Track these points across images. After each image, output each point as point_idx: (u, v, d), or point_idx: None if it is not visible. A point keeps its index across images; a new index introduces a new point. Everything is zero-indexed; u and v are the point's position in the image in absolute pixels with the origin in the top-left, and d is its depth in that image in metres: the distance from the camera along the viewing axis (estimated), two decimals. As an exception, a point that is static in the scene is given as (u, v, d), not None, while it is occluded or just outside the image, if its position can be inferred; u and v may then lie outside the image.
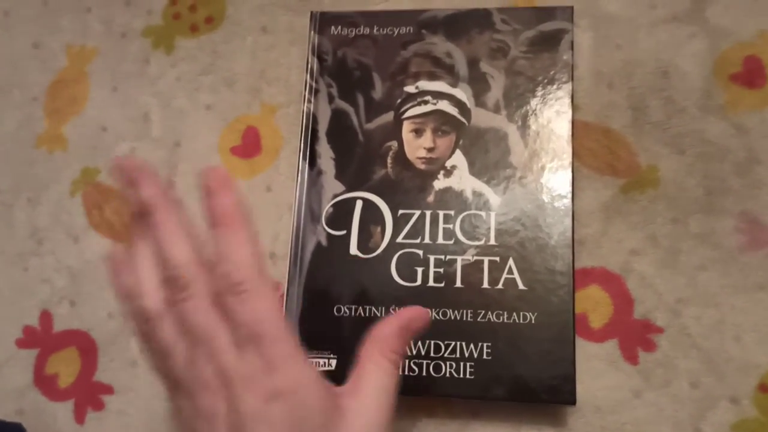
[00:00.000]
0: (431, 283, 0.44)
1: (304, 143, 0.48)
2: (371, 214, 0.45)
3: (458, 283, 0.44)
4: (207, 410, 0.30)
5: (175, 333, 0.31)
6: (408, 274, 0.44)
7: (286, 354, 0.30)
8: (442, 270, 0.44)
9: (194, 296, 0.31)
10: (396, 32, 0.49)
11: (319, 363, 0.43)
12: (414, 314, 0.36)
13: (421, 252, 0.44)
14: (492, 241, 0.44)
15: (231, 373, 0.30)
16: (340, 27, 0.50)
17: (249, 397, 0.29)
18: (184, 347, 0.31)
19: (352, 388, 0.34)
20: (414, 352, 0.43)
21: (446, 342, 0.43)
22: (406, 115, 0.47)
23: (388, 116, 0.47)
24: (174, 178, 0.52)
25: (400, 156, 0.46)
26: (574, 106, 0.46)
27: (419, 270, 0.44)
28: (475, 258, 0.44)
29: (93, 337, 0.50)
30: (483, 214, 0.44)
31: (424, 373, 0.43)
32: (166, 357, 0.31)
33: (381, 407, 0.33)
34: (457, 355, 0.43)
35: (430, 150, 0.46)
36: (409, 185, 0.46)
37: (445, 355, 0.43)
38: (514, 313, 0.43)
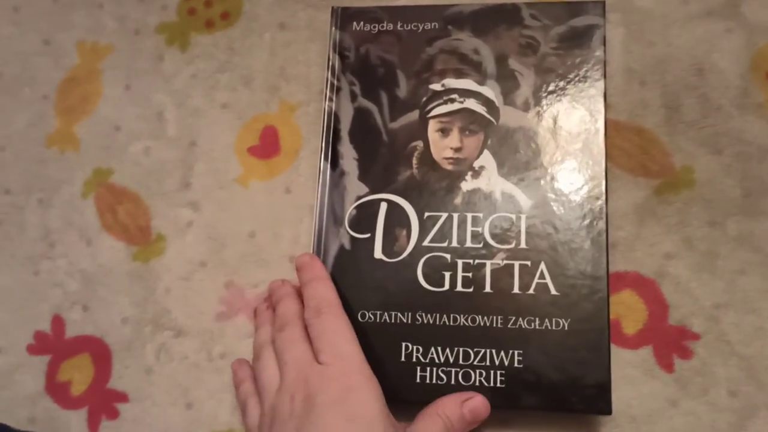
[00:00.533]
0: (459, 288, 0.42)
1: (325, 143, 0.46)
2: (396, 216, 0.44)
3: (487, 288, 0.42)
4: (284, 414, 0.37)
5: (275, 365, 0.41)
6: (435, 278, 0.43)
7: (357, 360, 0.39)
8: (470, 275, 0.42)
9: (293, 328, 0.41)
10: (421, 28, 0.47)
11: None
12: (474, 394, 0.40)
13: (448, 256, 0.43)
14: (522, 245, 0.42)
15: (313, 373, 0.38)
16: (362, 23, 0.48)
17: (323, 390, 0.37)
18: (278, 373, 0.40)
19: (408, 425, 0.39)
20: (443, 360, 0.41)
21: (476, 349, 0.41)
22: (432, 113, 0.45)
23: (413, 115, 0.46)
24: (190, 180, 0.50)
25: (426, 156, 0.45)
26: (606, 105, 0.45)
27: (447, 275, 0.43)
28: (505, 262, 0.42)
29: (107, 343, 0.48)
30: (513, 216, 0.43)
31: (452, 382, 0.41)
32: (264, 391, 0.40)
33: None
34: (487, 363, 0.41)
35: (457, 150, 0.44)
36: (436, 186, 0.44)
37: (475, 362, 0.41)
38: (546, 320, 0.41)
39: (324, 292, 0.42)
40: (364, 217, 0.44)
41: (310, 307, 0.41)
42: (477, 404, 0.40)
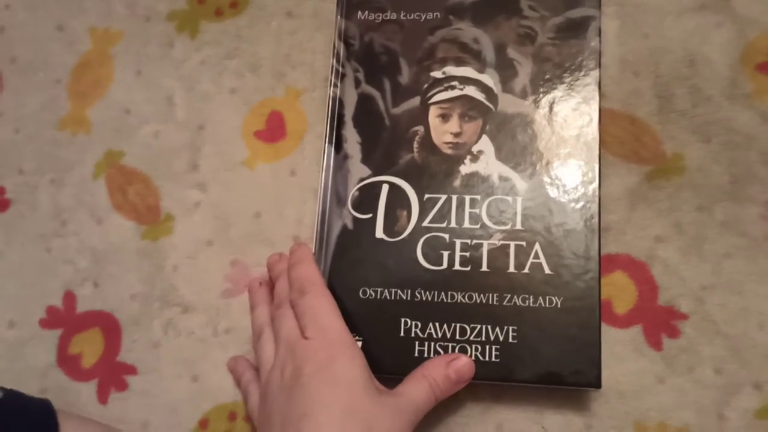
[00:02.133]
0: (457, 266, 0.44)
1: (330, 127, 0.48)
2: (397, 198, 0.46)
3: (484, 267, 0.44)
4: (276, 385, 0.40)
5: (272, 343, 0.43)
6: (434, 257, 0.44)
7: (339, 330, 0.41)
8: (468, 254, 0.44)
9: (284, 309, 0.43)
10: (423, 17, 0.49)
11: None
12: (459, 355, 0.42)
13: (447, 236, 0.45)
14: (518, 226, 0.44)
15: (299, 347, 0.40)
16: (367, 12, 0.50)
17: (308, 359, 0.39)
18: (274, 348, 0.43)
19: (392, 389, 0.41)
20: (440, 335, 0.43)
21: (472, 325, 0.43)
22: (433, 100, 0.47)
23: (415, 101, 0.47)
24: (198, 162, 0.52)
25: (427, 141, 0.46)
26: (600, 94, 0.46)
27: (445, 254, 0.44)
28: (501, 242, 0.44)
29: (116, 317, 0.50)
30: (509, 198, 0.45)
31: (449, 356, 0.43)
32: (263, 368, 0.43)
33: (407, 409, 0.39)
34: (483, 339, 0.43)
35: (456, 135, 0.46)
36: (436, 170, 0.46)
37: (471, 338, 0.43)
38: (540, 298, 0.43)
39: (307, 273, 0.44)
40: (367, 199, 0.46)
41: (295, 288, 0.43)
42: (461, 365, 0.41)
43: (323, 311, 0.42)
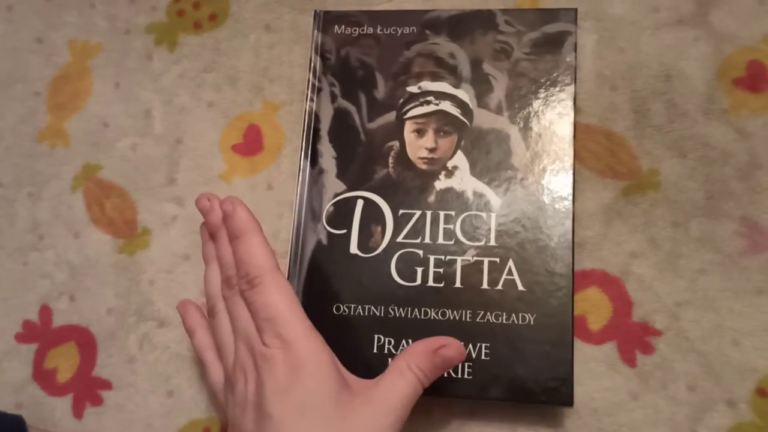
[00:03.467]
0: (431, 283, 0.44)
1: (305, 142, 0.48)
2: (372, 213, 0.46)
3: (458, 284, 0.44)
4: (241, 395, 0.37)
5: (229, 328, 0.40)
6: (408, 273, 0.44)
7: (299, 333, 0.37)
8: (441, 270, 0.44)
9: (236, 294, 0.39)
10: (399, 32, 0.49)
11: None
12: (448, 341, 0.39)
13: (421, 252, 0.44)
14: (492, 242, 0.44)
15: (257, 356, 0.37)
16: (343, 26, 0.50)
17: (270, 376, 0.36)
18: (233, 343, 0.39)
19: (372, 383, 0.38)
20: (413, 352, 0.43)
21: (445, 342, 0.43)
22: (409, 115, 0.47)
23: (391, 116, 0.47)
24: (175, 175, 0.52)
25: (402, 156, 0.46)
26: (577, 109, 0.46)
27: (419, 270, 0.44)
28: (475, 258, 0.44)
29: (92, 332, 0.50)
30: (484, 215, 0.45)
31: (422, 373, 0.43)
32: (223, 353, 0.39)
33: (390, 408, 0.36)
34: (456, 356, 0.43)
35: (431, 150, 0.46)
36: (410, 185, 0.46)
37: (444, 355, 0.43)
38: (513, 314, 0.43)
39: (252, 255, 0.39)
40: (341, 214, 0.46)
41: (242, 275, 0.39)
42: (451, 354, 0.39)
43: (276, 310, 0.37)
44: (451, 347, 0.39)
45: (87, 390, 0.49)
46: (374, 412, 0.36)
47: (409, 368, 0.38)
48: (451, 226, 0.45)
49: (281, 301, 0.38)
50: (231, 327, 0.40)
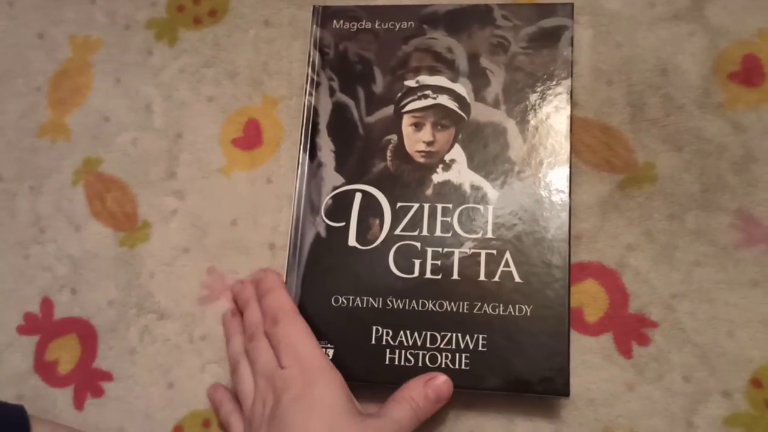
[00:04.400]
0: (428, 275, 0.44)
1: (304, 135, 0.48)
2: (370, 206, 0.46)
3: (455, 276, 0.44)
4: (258, 419, 0.40)
5: (250, 375, 0.43)
6: (405, 265, 0.45)
7: (316, 355, 0.41)
8: (439, 262, 0.44)
9: (258, 340, 0.43)
10: (397, 27, 0.49)
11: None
12: (436, 374, 0.42)
13: (418, 244, 0.45)
14: (489, 235, 0.44)
15: (276, 379, 0.40)
16: (342, 21, 0.50)
17: (287, 391, 0.39)
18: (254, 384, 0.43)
19: (374, 412, 0.41)
20: (411, 343, 0.43)
21: (442, 333, 0.43)
22: (407, 108, 0.47)
23: (389, 110, 0.48)
24: (175, 169, 0.52)
25: (400, 149, 0.47)
26: (573, 103, 0.47)
27: (417, 262, 0.45)
28: (472, 251, 0.44)
29: (93, 324, 0.50)
30: (481, 207, 0.45)
31: (420, 364, 0.43)
32: (244, 399, 0.43)
33: (389, 430, 0.40)
34: (453, 346, 0.43)
35: (429, 144, 0.47)
36: (408, 178, 0.46)
37: (441, 345, 0.43)
38: (510, 306, 0.43)
39: (278, 301, 0.44)
40: (340, 207, 0.46)
41: (267, 317, 0.44)
42: (439, 383, 0.42)
43: (298, 339, 0.42)
44: (439, 378, 0.42)
45: (88, 381, 0.49)
46: (375, 429, 0.39)
47: (404, 398, 0.41)
48: (449, 219, 0.45)
49: (301, 332, 0.42)
50: (251, 375, 0.43)
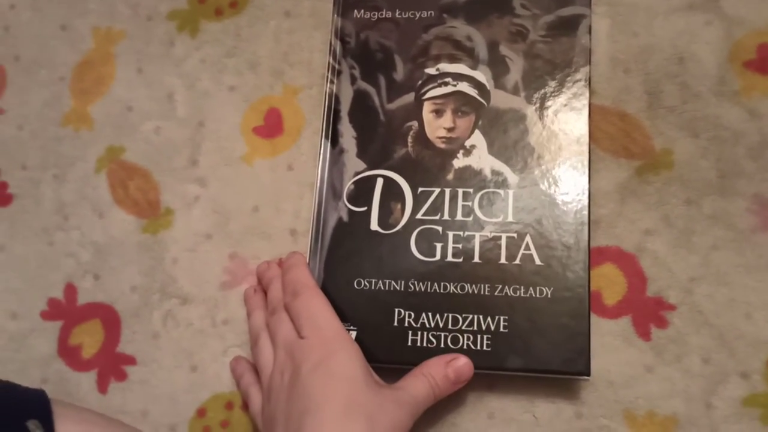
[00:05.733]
0: (450, 258, 0.45)
1: (326, 122, 0.49)
2: (392, 191, 0.47)
3: (476, 259, 0.45)
4: (276, 389, 0.41)
5: (270, 347, 0.44)
6: (427, 249, 0.45)
7: (335, 327, 0.42)
8: (460, 246, 0.45)
9: (279, 313, 0.44)
10: (418, 16, 0.50)
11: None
12: (458, 356, 0.43)
13: (440, 228, 0.45)
14: (510, 218, 0.45)
15: (295, 348, 0.41)
16: (363, 11, 0.51)
17: (306, 359, 0.40)
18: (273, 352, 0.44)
19: (392, 384, 0.41)
20: (433, 325, 0.44)
21: (464, 315, 0.44)
22: (427, 96, 0.48)
23: (410, 97, 0.48)
24: (197, 157, 0.53)
25: (421, 135, 0.47)
26: (591, 91, 0.47)
27: (438, 246, 0.45)
28: (493, 234, 0.45)
29: (116, 309, 0.51)
30: (501, 192, 0.46)
31: (441, 345, 0.44)
32: (263, 371, 0.43)
33: (408, 399, 0.40)
34: (475, 328, 0.44)
35: (450, 130, 0.47)
36: (429, 164, 0.47)
37: (463, 327, 0.44)
38: (531, 288, 0.44)
39: (299, 276, 0.45)
40: (362, 192, 0.47)
41: (288, 291, 0.45)
42: (460, 365, 0.42)
43: (317, 311, 0.43)
44: (460, 359, 0.42)
45: (111, 365, 0.50)
46: (393, 399, 0.40)
47: (424, 374, 0.42)
48: (470, 203, 0.46)
49: (321, 305, 0.43)
50: (271, 347, 0.44)
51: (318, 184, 0.48)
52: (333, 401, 0.38)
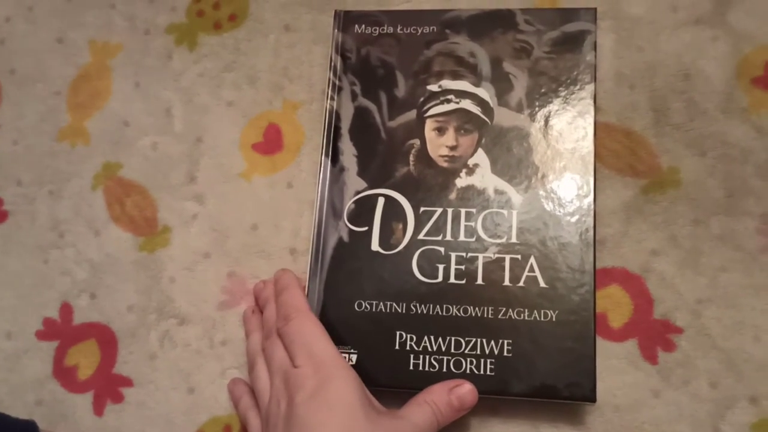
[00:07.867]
0: (452, 279, 0.44)
1: (326, 140, 0.48)
2: (393, 210, 0.46)
3: (479, 281, 0.44)
4: (273, 418, 0.40)
5: (266, 373, 0.43)
6: (429, 270, 0.44)
7: (329, 353, 0.41)
8: (463, 267, 0.44)
9: (273, 337, 0.43)
10: (420, 31, 0.49)
11: (340, 357, 0.43)
12: (462, 382, 0.42)
13: (442, 249, 0.45)
14: (513, 239, 0.44)
15: (290, 378, 0.40)
16: (364, 26, 0.50)
17: (301, 389, 0.39)
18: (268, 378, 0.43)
19: (393, 410, 0.41)
20: (435, 348, 0.43)
21: (467, 338, 0.43)
22: (429, 113, 0.47)
23: (411, 114, 0.47)
24: (195, 174, 0.52)
25: (423, 154, 0.47)
26: (596, 108, 0.47)
27: (440, 267, 0.44)
28: (497, 255, 0.44)
29: (113, 329, 0.50)
30: (505, 212, 0.45)
31: (444, 370, 0.43)
32: (261, 397, 0.43)
33: (410, 427, 0.39)
34: (478, 352, 0.43)
35: (452, 148, 0.46)
36: (431, 183, 0.46)
37: (466, 351, 0.43)
38: (535, 311, 0.43)
39: (291, 300, 0.44)
40: (363, 211, 0.46)
41: (280, 315, 0.44)
42: (464, 392, 0.41)
43: (309, 336, 0.42)
44: (465, 386, 0.41)
45: (107, 387, 0.49)
46: (396, 427, 0.39)
47: (426, 402, 0.40)
48: (473, 224, 0.45)
49: (313, 331, 0.42)
50: (267, 373, 0.43)
51: (318, 203, 0.47)
52: None
